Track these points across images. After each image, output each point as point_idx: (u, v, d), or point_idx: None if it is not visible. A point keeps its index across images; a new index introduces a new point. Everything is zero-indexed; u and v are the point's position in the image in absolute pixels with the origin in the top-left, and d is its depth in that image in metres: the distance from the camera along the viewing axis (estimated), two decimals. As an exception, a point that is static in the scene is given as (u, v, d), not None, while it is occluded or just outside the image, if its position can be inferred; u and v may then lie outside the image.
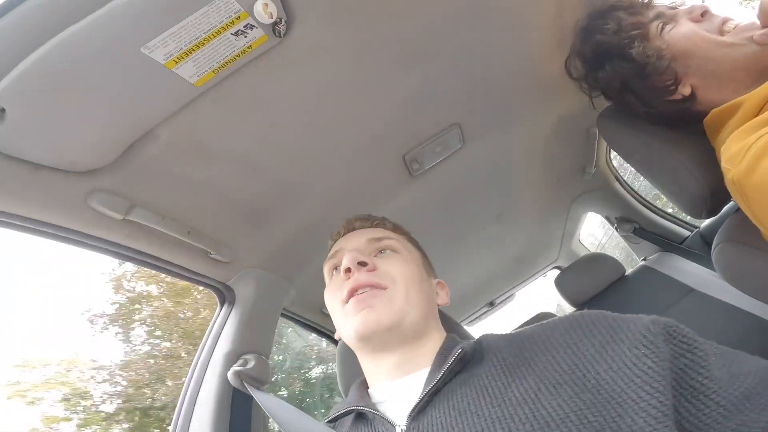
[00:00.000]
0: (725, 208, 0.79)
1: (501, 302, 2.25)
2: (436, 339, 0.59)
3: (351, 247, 0.64)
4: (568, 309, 1.79)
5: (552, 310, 2.25)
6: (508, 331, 0.57)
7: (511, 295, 2.28)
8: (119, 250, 0.71)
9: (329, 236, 0.75)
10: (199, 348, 0.88)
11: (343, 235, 0.70)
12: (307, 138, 0.78)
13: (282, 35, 0.55)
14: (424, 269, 0.67)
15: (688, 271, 1.36)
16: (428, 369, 0.54)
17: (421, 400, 0.48)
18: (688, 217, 1.63)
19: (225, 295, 0.94)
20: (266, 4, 0.49)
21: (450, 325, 0.81)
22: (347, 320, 0.57)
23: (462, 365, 0.52)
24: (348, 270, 0.58)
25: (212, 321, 0.93)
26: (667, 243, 1.49)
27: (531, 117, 1.11)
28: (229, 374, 0.79)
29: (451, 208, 1.30)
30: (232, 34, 0.51)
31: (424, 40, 0.72)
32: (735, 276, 0.72)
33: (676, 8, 0.70)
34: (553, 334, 0.48)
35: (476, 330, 2.40)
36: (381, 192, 1.05)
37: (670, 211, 1.65)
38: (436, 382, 0.48)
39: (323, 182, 0.91)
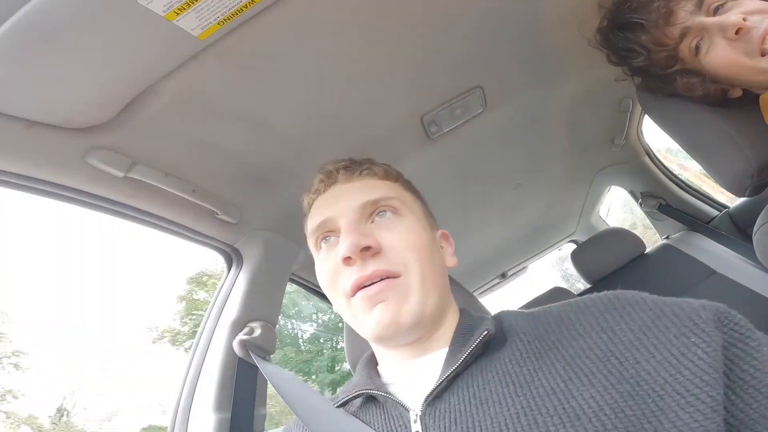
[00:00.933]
0: None
1: (513, 274, 2.22)
2: (451, 317, 0.54)
3: (344, 218, 0.52)
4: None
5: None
6: (530, 309, 0.52)
7: (524, 267, 2.25)
8: (122, 209, 0.69)
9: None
10: (206, 314, 0.88)
11: (324, 192, 0.58)
12: (319, 95, 0.74)
13: None
14: (428, 224, 0.58)
15: (712, 252, 1.30)
16: (446, 350, 0.49)
17: (438, 385, 0.44)
18: (718, 195, 1.57)
19: (233, 258, 0.92)
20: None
21: (464, 297, 0.78)
22: (357, 318, 0.50)
23: (484, 348, 0.47)
24: (348, 258, 0.48)
25: (219, 286, 0.92)
26: (694, 221, 1.43)
27: (559, 83, 1.04)
28: (235, 343, 0.78)
29: (469, 174, 1.25)
30: (238, -18, 0.46)
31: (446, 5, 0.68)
32: None
33: (713, 13, 0.62)
34: (585, 316, 0.43)
35: (485, 302, 2.38)
36: (396, 153, 0.99)
37: (698, 188, 1.56)
38: (456, 366, 0.45)
39: (335, 141, 0.86)
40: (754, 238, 0.72)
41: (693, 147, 0.78)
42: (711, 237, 1.33)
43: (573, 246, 2.14)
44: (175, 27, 0.48)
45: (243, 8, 0.51)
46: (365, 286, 0.48)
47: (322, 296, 1.31)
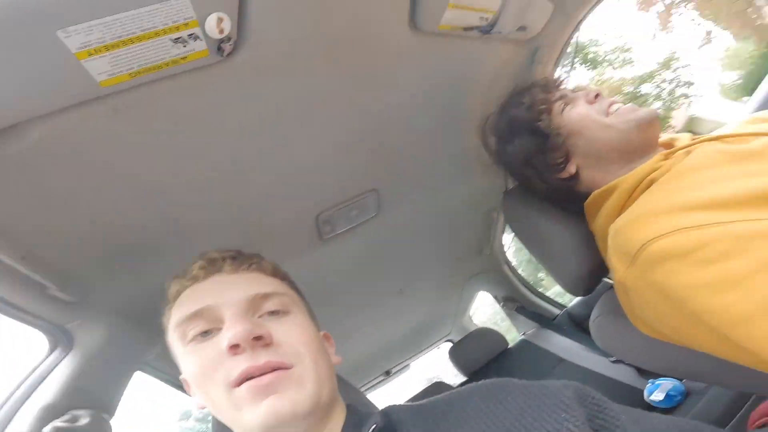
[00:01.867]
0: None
1: (397, 372, 2.25)
2: (339, 412, 0.52)
3: (230, 308, 0.47)
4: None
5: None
6: (416, 402, 0.52)
7: (407, 365, 2.30)
8: None
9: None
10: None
11: (202, 280, 0.53)
12: (215, 177, 0.70)
13: (224, 55, 0.52)
14: (314, 324, 0.57)
15: (559, 344, 1.57)
16: None
17: None
18: (559, 298, 1.92)
19: (58, 340, 0.75)
20: (222, 19, 0.47)
21: (350, 392, 0.77)
22: (240, 410, 0.44)
23: None
24: (235, 347, 0.44)
25: (34, 365, 0.73)
26: (543, 320, 1.71)
27: (443, 192, 1.15)
28: (46, 429, 0.62)
29: (357, 278, 1.27)
30: (171, 39, 0.46)
31: (353, 105, 0.73)
32: (610, 343, 0.80)
33: (577, 91, 0.78)
34: (468, 404, 0.45)
35: (372, 398, 2.30)
36: (286, 249, 0.95)
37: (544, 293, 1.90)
38: None
39: (224, 228, 0.80)
40: (591, 329, 0.82)
41: (540, 253, 0.89)
42: (556, 332, 1.61)
43: (449, 344, 2.32)
44: (79, 66, 0.43)
45: (164, 65, 0.48)
46: (254, 377, 0.43)
47: (180, 388, 1.13)
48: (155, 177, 0.64)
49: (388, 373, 2.19)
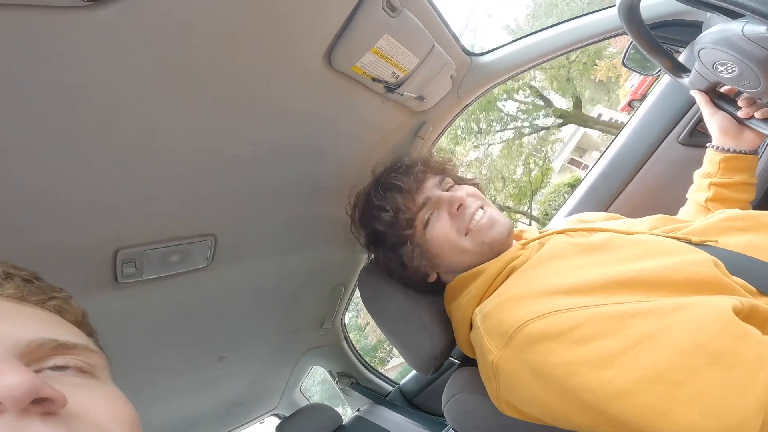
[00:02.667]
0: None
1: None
2: None
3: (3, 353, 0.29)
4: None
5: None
6: None
7: None
8: None
9: None
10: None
11: None
12: None
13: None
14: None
15: (391, 420, 1.55)
16: None
17: None
18: (390, 375, 1.95)
19: None
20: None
21: None
22: None
23: None
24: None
25: None
26: (377, 396, 1.69)
27: (292, 256, 1.07)
28: None
29: (167, 335, 1.03)
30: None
31: (224, 122, 0.63)
32: (465, 422, 0.78)
33: (446, 191, 0.77)
34: None
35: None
36: (71, 282, 0.68)
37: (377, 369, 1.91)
38: None
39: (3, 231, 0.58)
40: (445, 410, 0.80)
41: (392, 330, 0.87)
42: (389, 408, 1.60)
43: (276, 419, 2.04)
44: None
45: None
46: None
47: None
48: None
49: None
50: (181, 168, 0.65)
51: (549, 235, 0.74)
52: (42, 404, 0.27)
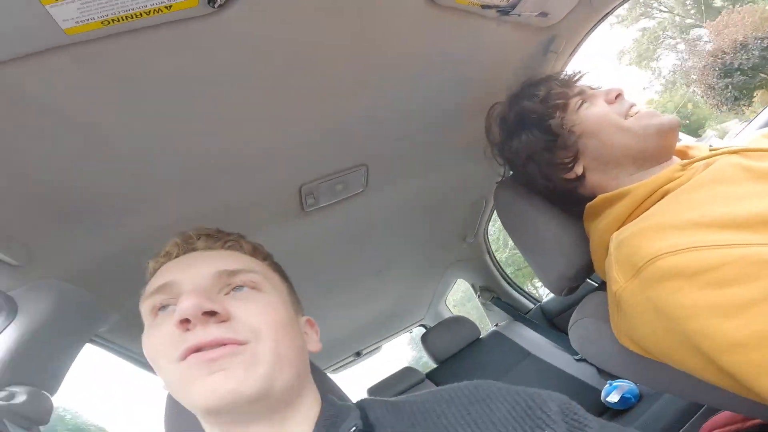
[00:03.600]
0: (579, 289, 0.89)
1: (367, 353, 2.27)
2: (311, 403, 0.49)
3: (191, 283, 0.45)
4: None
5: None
6: (394, 398, 0.51)
7: (378, 347, 2.32)
8: None
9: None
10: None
11: (176, 257, 0.50)
12: (188, 135, 0.64)
13: (216, 6, 0.46)
14: (292, 307, 0.53)
15: (528, 338, 1.61)
16: None
17: None
18: (535, 292, 1.96)
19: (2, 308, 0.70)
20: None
21: (318, 378, 0.74)
22: (186, 386, 0.40)
23: None
24: (185, 321, 0.41)
25: None
26: (516, 313, 1.74)
27: (434, 176, 1.12)
28: None
29: (335, 253, 1.25)
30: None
31: (351, 73, 0.68)
32: (586, 347, 0.78)
33: (596, 89, 0.73)
34: (450, 409, 0.44)
35: (339, 379, 2.32)
36: (264, 220, 0.93)
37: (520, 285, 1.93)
38: None
39: (194, 193, 0.76)
40: (570, 331, 0.80)
41: (526, 246, 0.87)
42: (528, 325, 1.64)
43: (422, 329, 2.34)
44: (44, 12, 0.39)
45: (143, 14, 0.43)
46: (203, 351, 0.40)
47: (141, 363, 1.08)
48: (113, 132, 0.58)
49: (358, 354, 2.21)
50: (338, 110, 0.74)
51: (720, 154, 0.63)
52: (215, 316, 0.41)
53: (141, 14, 0.43)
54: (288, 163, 0.81)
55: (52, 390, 0.73)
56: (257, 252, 0.54)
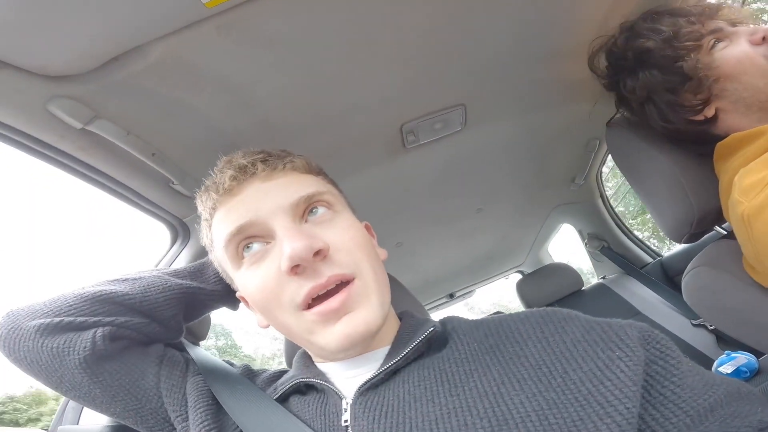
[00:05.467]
0: (703, 238, 0.79)
1: (461, 296, 2.26)
2: (391, 317, 0.53)
3: (277, 219, 0.46)
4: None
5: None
6: (475, 319, 0.52)
7: (472, 291, 2.31)
8: (69, 162, 0.64)
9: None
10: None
11: (237, 190, 0.49)
12: (307, 86, 0.73)
13: None
14: (355, 215, 0.55)
15: (640, 295, 1.43)
16: (388, 347, 0.49)
17: (375, 376, 0.44)
18: (656, 244, 1.71)
19: (179, 232, 0.87)
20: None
21: (409, 301, 0.79)
22: (313, 334, 0.45)
23: (427, 346, 0.48)
24: (297, 267, 0.43)
25: (158, 259, 0.86)
26: (629, 266, 1.55)
27: (538, 114, 1.08)
28: None
29: (437, 190, 1.27)
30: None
31: (446, 13, 0.68)
32: (699, 298, 0.73)
33: (737, 26, 0.65)
34: (524, 325, 0.45)
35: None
36: (370, 157, 1.00)
37: (638, 235, 1.70)
38: (398, 360, 0.45)
39: (312, 133, 0.85)
40: (684, 280, 0.75)
41: (643, 189, 0.82)
42: (641, 281, 1.45)
43: (518, 276, 2.25)
44: None
45: None
46: (321, 297, 0.44)
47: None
48: (251, 86, 0.68)
49: (451, 296, 2.20)
50: (434, 51, 0.75)
51: None
52: (318, 254, 0.44)
53: None
54: (389, 104, 0.86)
55: None
56: (311, 167, 0.55)
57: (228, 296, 0.61)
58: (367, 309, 0.45)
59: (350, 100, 0.80)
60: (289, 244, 0.43)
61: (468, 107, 0.95)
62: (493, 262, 2.11)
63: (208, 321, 0.86)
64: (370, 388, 0.44)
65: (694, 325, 1.21)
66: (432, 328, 0.48)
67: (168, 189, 0.78)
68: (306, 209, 0.48)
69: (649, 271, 1.49)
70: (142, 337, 0.54)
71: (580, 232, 1.75)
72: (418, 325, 0.51)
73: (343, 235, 0.47)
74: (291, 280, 0.44)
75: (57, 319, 0.48)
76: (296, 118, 0.79)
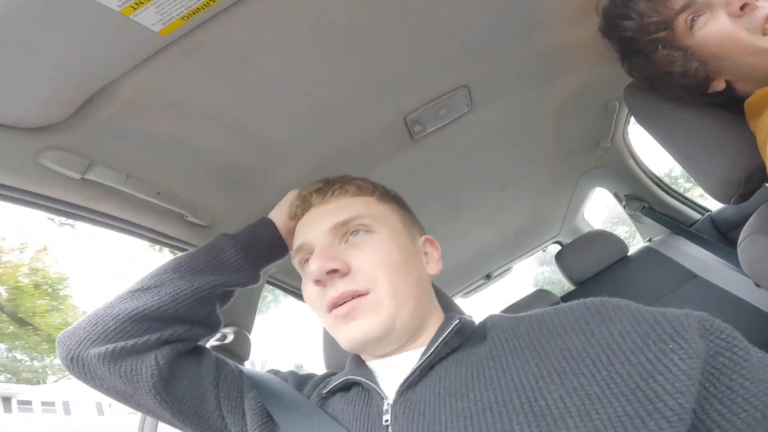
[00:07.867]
0: (753, 196, 0.73)
1: (498, 275, 2.21)
2: (435, 322, 0.56)
3: (317, 242, 0.55)
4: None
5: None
6: (516, 314, 0.52)
7: (509, 268, 2.24)
8: (80, 212, 0.65)
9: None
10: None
11: (302, 217, 0.61)
12: (294, 95, 0.71)
13: None
14: (407, 233, 0.59)
15: (693, 255, 1.31)
16: (425, 347, 0.51)
17: (411, 374, 0.46)
18: (701, 199, 1.59)
19: None
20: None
21: (445, 304, 0.77)
22: (334, 330, 0.54)
23: (460, 341, 0.49)
24: (318, 281, 0.52)
25: None
26: (676, 225, 1.44)
27: (547, 84, 1.03)
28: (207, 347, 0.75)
29: (454, 175, 1.24)
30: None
31: None
32: (759, 269, 0.68)
33: None
34: (567, 318, 0.43)
35: (470, 303, 2.38)
36: (379, 155, 0.98)
37: (681, 191, 1.58)
38: (429, 356, 0.47)
39: (313, 143, 0.84)
40: (739, 248, 0.71)
41: (679, 151, 0.76)
42: (693, 240, 1.34)
43: (557, 247, 2.16)
44: (132, 22, 0.45)
45: (209, 2, 0.48)
46: (338, 305, 0.51)
47: (299, 296, 1.28)
48: (236, 107, 0.67)
49: (488, 277, 2.15)
50: (430, 32, 0.72)
51: None
52: (336, 273, 0.51)
53: (208, 2, 0.47)
54: (388, 97, 0.83)
55: (249, 328, 0.92)
56: (363, 189, 0.61)
57: (250, 273, 0.64)
58: (371, 319, 0.50)
59: (345, 100, 0.78)
60: (311, 263, 0.52)
61: (471, 87, 0.91)
62: (526, 236, 2.04)
63: (249, 342, 0.87)
64: (408, 387, 0.46)
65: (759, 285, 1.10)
66: (457, 321, 0.50)
67: (184, 222, 0.79)
68: (346, 232, 0.55)
69: (699, 229, 1.37)
70: (188, 345, 0.57)
71: (616, 195, 1.65)
72: (451, 320, 0.52)
73: (367, 257, 0.53)
74: (320, 289, 0.53)
75: (112, 346, 0.50)
76: (293, 128, 0.77)
